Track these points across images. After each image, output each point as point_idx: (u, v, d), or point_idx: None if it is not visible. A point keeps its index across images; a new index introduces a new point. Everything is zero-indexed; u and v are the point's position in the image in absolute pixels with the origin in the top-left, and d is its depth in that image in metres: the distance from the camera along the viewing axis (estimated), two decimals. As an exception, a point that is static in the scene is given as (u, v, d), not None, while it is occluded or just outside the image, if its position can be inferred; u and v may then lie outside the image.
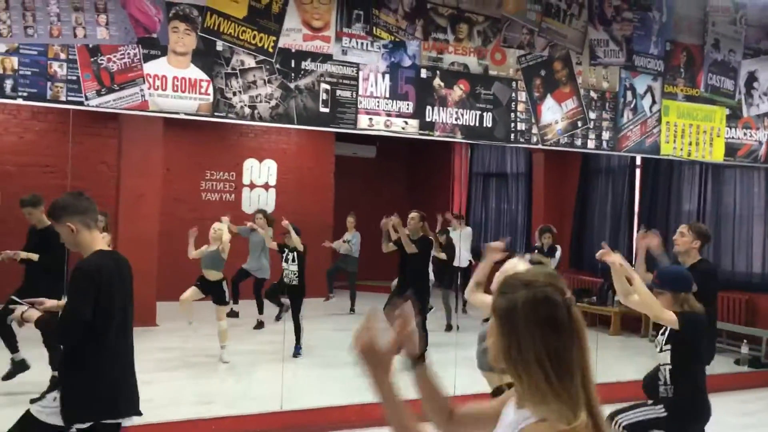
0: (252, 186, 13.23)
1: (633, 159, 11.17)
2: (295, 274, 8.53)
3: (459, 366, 6.33)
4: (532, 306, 1.68)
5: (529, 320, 1.67)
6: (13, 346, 6.51)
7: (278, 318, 9.87)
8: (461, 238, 11.26)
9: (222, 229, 8.28)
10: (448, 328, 10.35)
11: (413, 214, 8.34)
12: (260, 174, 13.28)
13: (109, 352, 3.41)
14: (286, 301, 9.18)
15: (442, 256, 10.28)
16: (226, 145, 12.94)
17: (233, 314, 9.91)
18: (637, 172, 11.42)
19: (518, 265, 3.50)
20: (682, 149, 7.42)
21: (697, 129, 7.46)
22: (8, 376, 6.47)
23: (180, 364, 8.03)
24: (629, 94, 7.09)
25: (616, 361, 8.92)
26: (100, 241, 3.49)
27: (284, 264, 8.62)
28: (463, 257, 11.34)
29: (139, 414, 3.59)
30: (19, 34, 4.77)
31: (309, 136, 13.27)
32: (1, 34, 4.72)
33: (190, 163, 12.59)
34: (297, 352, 8.46)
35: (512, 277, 1.77)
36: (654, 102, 7.23)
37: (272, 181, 13.32)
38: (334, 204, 13.80)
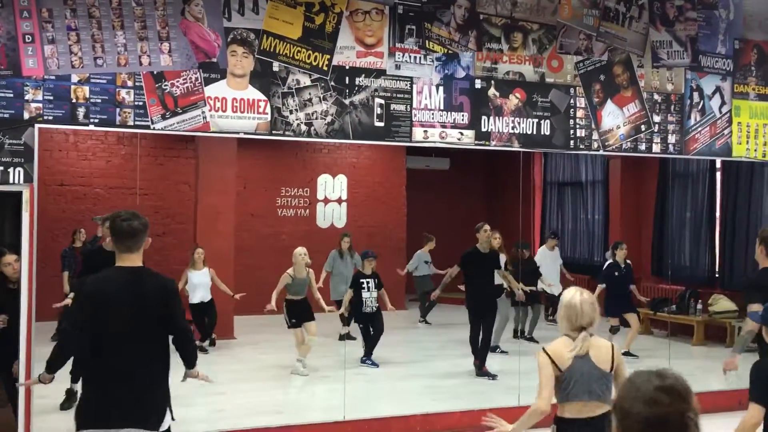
0: (326, 201, 13.51)
1: (713, 162, 10.76)
2: (376, 300, 8.66)
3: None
4: (645, 422, 1.72)
5: None
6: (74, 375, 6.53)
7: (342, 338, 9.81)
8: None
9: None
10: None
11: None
12: (334, 189, 13.55)
13: (104, 367, 3.52)
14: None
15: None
16: (300, 162, 13.28)
17: (350, 337, 9.80)
18: (717, 175, 10.98)
19: (581, 294, 3.50)
20: (756, 150, 7.13)
21: (772, 129, 7.16)
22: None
23: (254, 376, 8.28)
24: (696, 95, 6.89)
25: (700, 372, 8.58)
26: (125, 257, 3.63)
27: (365, 293, 8.61)
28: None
29: (150, 429, 3.61)
30: (90, 65, 5.13)
31: (380, 151, 13.45)
32: (73, 66, 5.09)
33: (266, 180, 12.99)
34: (372, 363, 8.61)
35: (636, 386, 1.78)
36: (723, 102, 6.99)
37: (345, 196, 13.56)
38: (408, 217, 13.92)
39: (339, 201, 13.55)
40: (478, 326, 8.17)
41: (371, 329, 8.72)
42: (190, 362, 3.90)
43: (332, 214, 13.49)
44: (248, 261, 11.80)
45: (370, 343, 8.71)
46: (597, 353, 3.44)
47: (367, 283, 8.66)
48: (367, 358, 8.69)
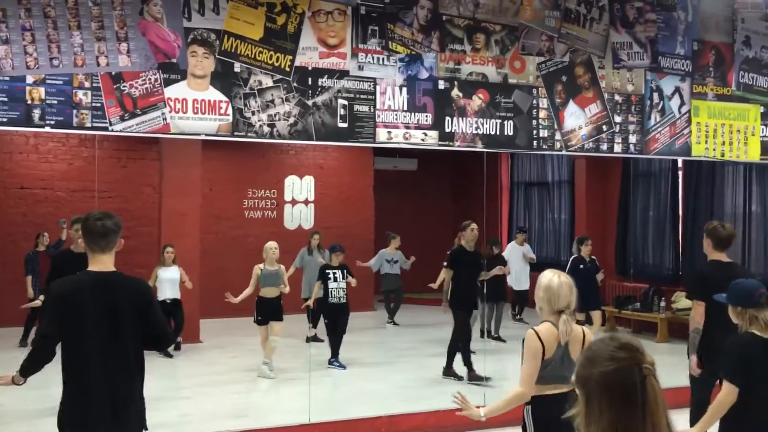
0: (294, 202, 13.45)
1: (675, 162, 10.94)
2: (344, 291, 8.65)
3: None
4: (605, 382, 1.78)
5: (601, 395, 1.77)
6: None
7: (310, 340, 9.74)
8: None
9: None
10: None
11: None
12: (301, 190, 13.50)
13: (80, 374, 3.46)
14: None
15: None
16: (267, 163, 13.21)
17: (317, 339, 9.84)
18: (679, 174, 11.17)
19: (553, 277, 3.52)
20: (714, 149, 7.26)
21: (730, 128, 7.29)
22: None
23: (220, 379, 8.20)
24: (656, 95, 6.99)
25: (665, 368, 8.68)
26: (97, 259, 3.55)
27: (332, 284, 8.62)
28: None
29: None
30: (46, 65, 5.03)
31: (347, 152, 13.43)
32: (28, 66, 4.98)
33: (232, 182, 12.89)
34: (339, 365, 8.59)
35: (593, 351, 1.86)
36: (683, 103, 7.09)
37: (312, 197, 13.51)
38: (375, 218, 13.92)
39: (306, 202, 13.50)
40: (466, 326, 8.00)
41: (336, 325, 8.68)
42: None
43: (300, 216, 13.44)
44: (215, 263, 11.71)
45: (334, 341, 8.68)
46: (571, 341, 3.47)
47: (334, 273, 8.66)
48: (335, 359, 8.67)
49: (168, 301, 9.17)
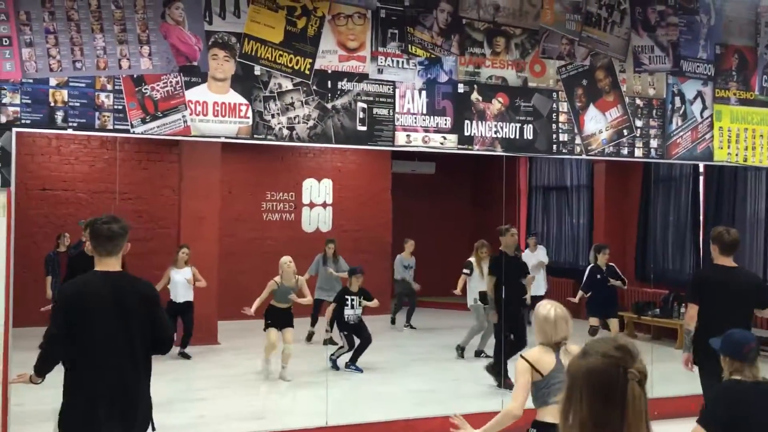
0: (312, 205, 13.48)
1: (696, 167, 10.84)
2: (359, 315, 8.64)
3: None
4: (589, 375, 1.80)
5: (584, 387, 1.80)
6: None
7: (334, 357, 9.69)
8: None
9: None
10: None
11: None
12: (319, 193, 13.52)
13: (87, 374, 3.48)
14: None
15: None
16: (285, 166, 13.25)
17: (333, 342, 9.81)
18: (701, 179, 11.06)
19: (555, 309, 3.59)
20: (737, 155, 7.17)
21: (753, 133, 7.20)
22: None
23: (237, 381, 8.22)
24: (678, 100, 6.92)
25: (683, 376, 8.60)
26: (104, 262, 3.58)
27: (348, 310, 8.57)
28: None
29: None
30: (69, 68, 5.08)
31: (366, 155, 13.43)
32: (51, 69, 5.04)
33: (251, 185, 12.94)
34: (356, 368, 8.60)
35: (590, 345, 1.89)
36: (705, 107, 7.02)
37: (330, 200, 13.54)
38: (393, 221, 13.91)
39: (324, 205, 13.52)
40: (506, 336, 7.69)
41: (355, 338, 8.67)
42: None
43: (317, 219, 13.46)
44: (233, 266, 11.75)
45: (358, 350, 8.67)
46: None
47: (352, 300, 8.62)
48: (352, 363, 8.67)
49: (180, 303, 9.20)
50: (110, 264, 3.58)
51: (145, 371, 3.64)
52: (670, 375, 7.66)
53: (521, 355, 3.64)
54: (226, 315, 10.68)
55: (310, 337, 10.38)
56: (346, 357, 8.72)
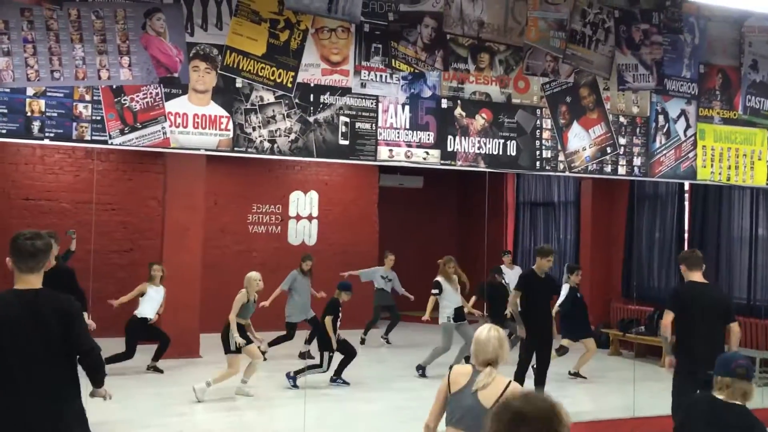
0: (298, 218, 13.42)
1: (681, 185, 10.87)
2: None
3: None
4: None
5: None
6: None
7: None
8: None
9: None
10: None
11: None
12: (305, 206, 13.47)
13: (5, 392, 3.36)
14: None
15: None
16: (272, 178, 13.19)
17: (311, 356, 9.67)
18: (686, 197, 11.09)
19: (489, 331, 3.63)
20: (720, 173, 7.18)
21: (737, 152, 7.22)
22: None
23: (217, 396, 8.11)
24: (661, 118, 6.93)
25: (668, 394, 8.57)
26: (24, 279, 3.49)
27: (338, 322, 8.53)
28: None
29: None
30: (46, 78, 5.02)
31: (353, 168, 13.40)
32: (29, 78, 4.98)
33: (237, 196, 12.87)
34: (342, 381, 8.53)
35: (505, 408, 1.86)
36: (688, 126, 7.04)
37: (316, 212, 13.47)
38: (379, 235, 13.86)
39: (310, 218, 13.46)
40: (529, 359, 7.61)
41: (343, 353, 8.58)
42: (97, 381, 3.75)
43: (303, 231, 13.40)
44: (218, 278, 11.65)
45: (343, 363, 8.58)
46: (487, 390, 3.50)
47: (340, 314, 8.55)
48: (338, 376, 8.59)
49: (149, 318, 9.09)
50: (30, 281, 3.49)
51: (73, 388, 3.56)
52: (655, 392, 7.64)
53: (450, 367, 3.78)
54: (209, 328, 10.57)
55: (303, 356, 10.13)
56: (320, 376, 8.58)
